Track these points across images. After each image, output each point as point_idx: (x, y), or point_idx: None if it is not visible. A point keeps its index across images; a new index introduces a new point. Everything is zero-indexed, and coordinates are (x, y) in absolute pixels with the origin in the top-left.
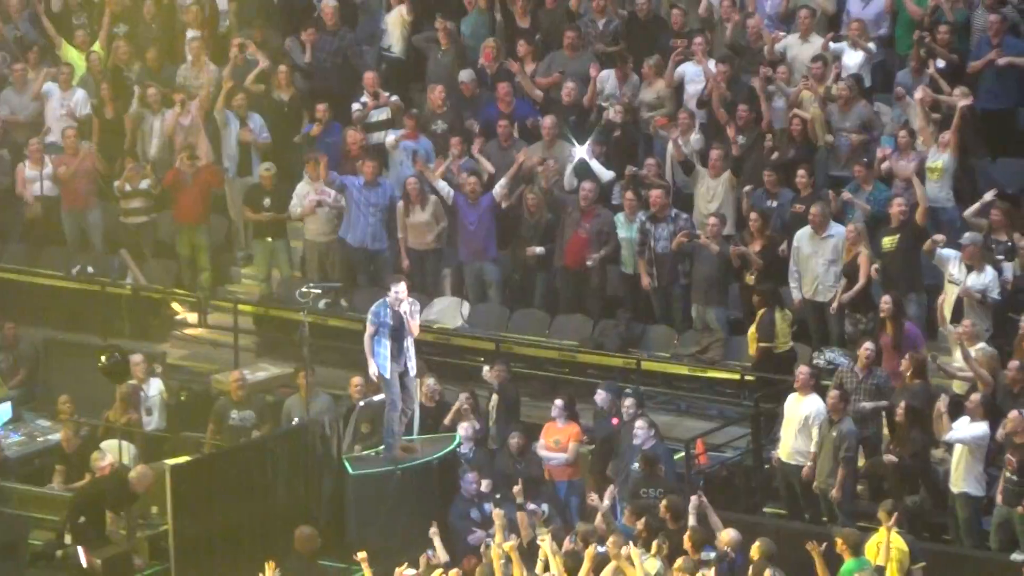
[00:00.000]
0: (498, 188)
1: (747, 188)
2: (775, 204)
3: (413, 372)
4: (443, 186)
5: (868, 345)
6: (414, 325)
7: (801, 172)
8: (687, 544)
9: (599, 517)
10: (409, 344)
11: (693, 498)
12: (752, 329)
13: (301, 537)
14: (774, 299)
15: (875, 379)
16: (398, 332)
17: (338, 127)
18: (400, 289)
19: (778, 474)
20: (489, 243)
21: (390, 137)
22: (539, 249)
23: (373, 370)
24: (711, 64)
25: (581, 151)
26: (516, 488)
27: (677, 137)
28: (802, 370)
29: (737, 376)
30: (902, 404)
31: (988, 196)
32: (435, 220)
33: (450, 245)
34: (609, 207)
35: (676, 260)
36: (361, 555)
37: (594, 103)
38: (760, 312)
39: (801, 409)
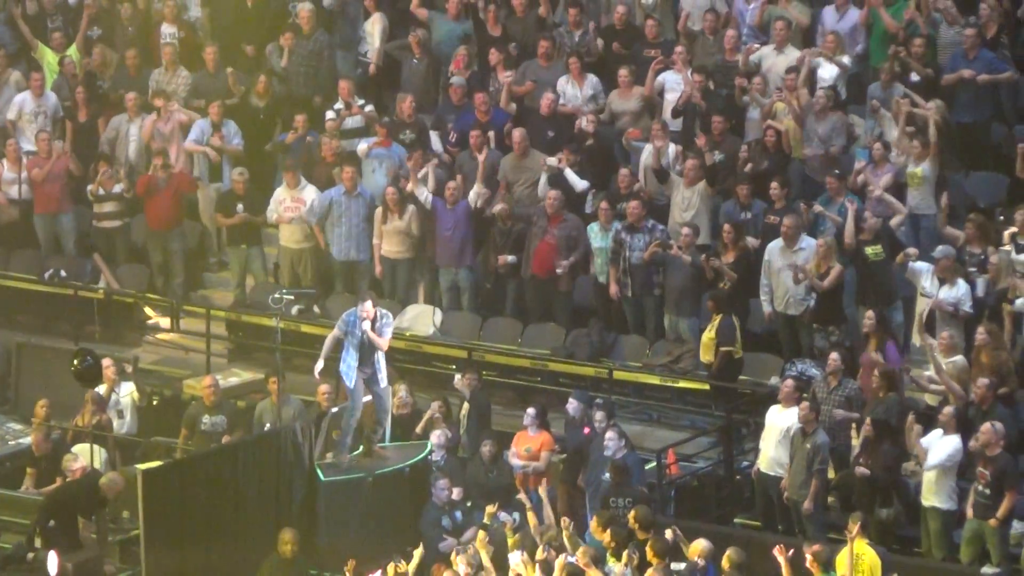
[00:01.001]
0: (472, 194)
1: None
2: (748, 215)
3: (384, 383)
4: (422, 191)
5: (834, 356)
6: (382, 342)
7: (774, 184)
8: (649, 554)
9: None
10: (380, 356)
11: (668, 532)
12: (711, 334)
13: (284, 540)
14: (729, 305)
15: (845, 390)
16: (366, 343)
17: (313, 135)
18: (366, 308)
19: (757, 485)
20: (465, 249)
21: (362, 145)
22: (510, 258)
23: (319, 367)
24: (688, 73)
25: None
26: (489, 508)
27: (659, 147)
28: (787, 383)
29: (708, 386)
30: (869, 419)
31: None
32: (411, 229)
33: (424, 252)
34: (582, 216)
35: (650, 271)
36: (350, 564)
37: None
38: (718, 317)
39: (782, 420)
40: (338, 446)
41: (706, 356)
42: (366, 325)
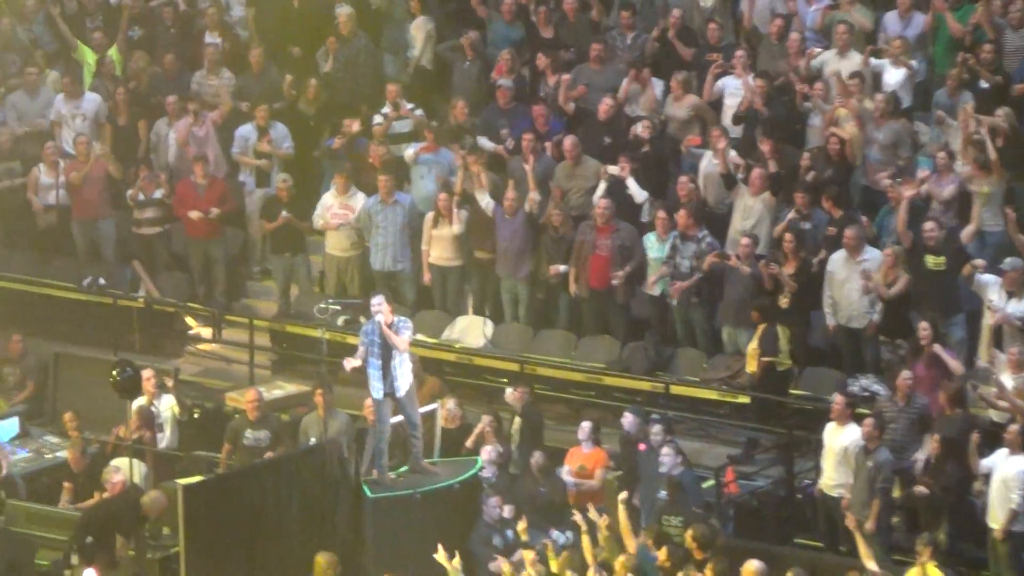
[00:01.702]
0: (528, 204)
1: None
2: (809, 225)
3: (402, 391)
4: (483, 197)
5: (907, 374)
6: (399, 340)
7: (826, 197)
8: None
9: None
10: (399, 363)
11: None
12: (753, 344)
13: (321, 565)
14: (774, 314)
15: (915, 408)
16: (386, 349)
17: (362, 141)
18: (377, 302)
19: (819, 506)
20: (523, 260)
21: (409, 150)
22: (562, 268)
23: (354, 361)
24: (750, 79)
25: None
26: (521, 526)
27: (724, 148)
28: (838, 400)
29: (768, 401)
30: (936, 437)
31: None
32: (463, 236)
33: (474, 259)
34: (637, 225)
35: (698, 282)
36: None
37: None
38: (762, 327)
39: (839, 439)
40: (376, 467)
41: (750, 367)
42: (380, 318)
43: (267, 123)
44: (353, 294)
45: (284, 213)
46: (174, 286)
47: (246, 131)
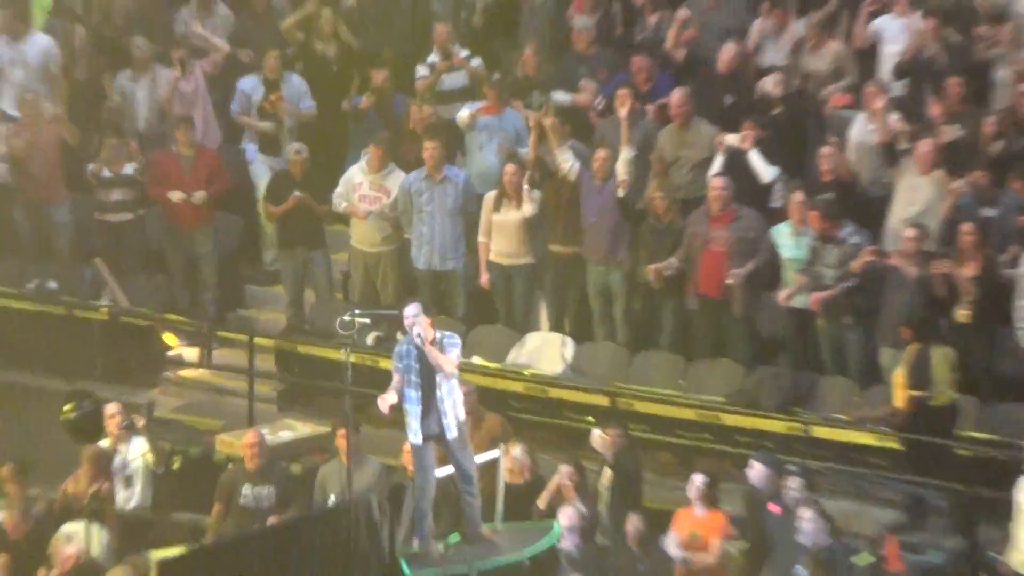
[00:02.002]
0: (619, 165)
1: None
2: (995, 212)
3: (451, 433)
4: (568, 157)
5: None
6: (445, 360)
7: (1017, 175)
8: None
9: None
10: (446, 392)
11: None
12: (899, 372)
13: None
14: (929, 333)
15: None
16: (427, 377)
17: (402, 100)
18: (412, 312)
19: None
20: (617, 242)
21: (464, 112)
22: (672, 261)
23: (389, 398)
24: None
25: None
26: None
27: (882, 110)
28: None
29: (928, 447)
30: None
31: None
32: (536, 221)
33: (549, 259)
34: (765, 213)
35: (849, 292)
36: None
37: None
38: (911, 349)
39: None
40: (417, 535)
41: (896, 400)
42: (417, 329)
43: (279, 75)
44: (387, 302)
45: (296, 193)
46: (149, 292)
47: (250, 84)
